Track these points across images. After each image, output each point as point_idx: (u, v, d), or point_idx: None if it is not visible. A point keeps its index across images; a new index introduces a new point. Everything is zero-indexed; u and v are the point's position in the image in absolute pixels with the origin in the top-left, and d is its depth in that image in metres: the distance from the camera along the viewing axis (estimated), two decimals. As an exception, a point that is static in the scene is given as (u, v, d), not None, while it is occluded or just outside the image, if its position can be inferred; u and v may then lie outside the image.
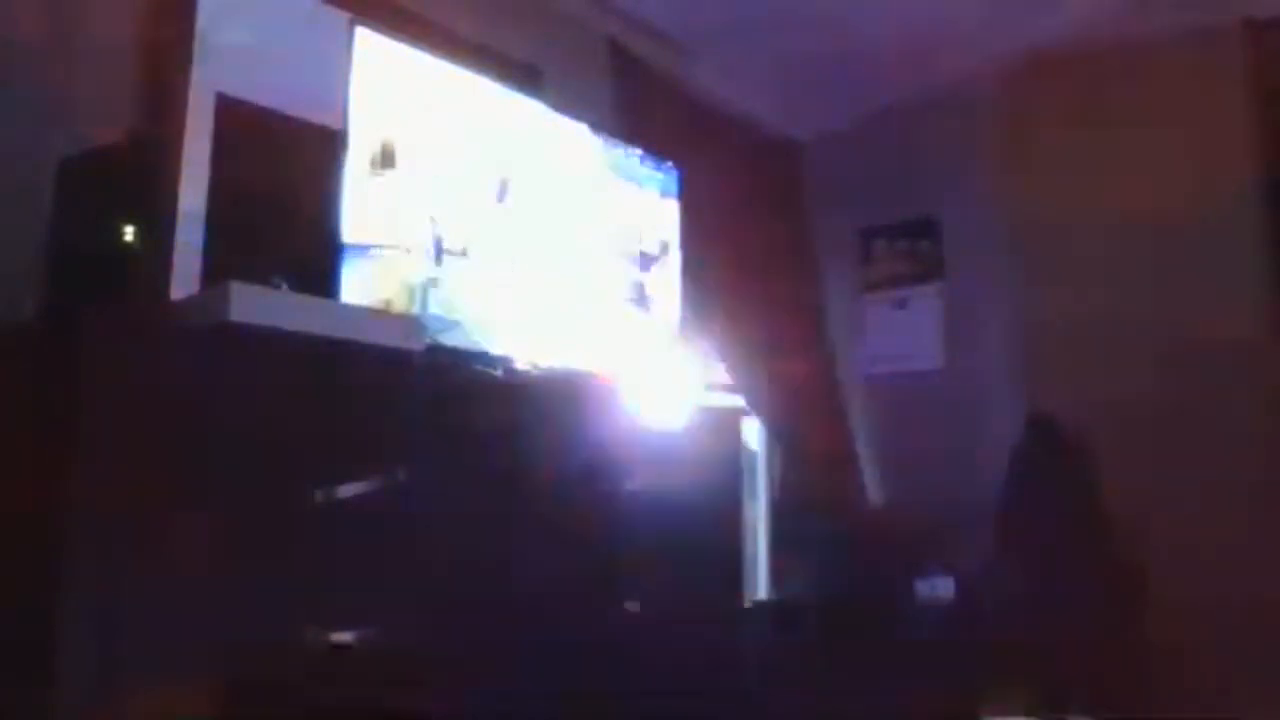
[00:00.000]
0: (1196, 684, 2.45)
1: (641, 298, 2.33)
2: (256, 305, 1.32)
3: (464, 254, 1.91)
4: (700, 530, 2.07)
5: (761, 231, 3.44)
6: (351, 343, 1.44)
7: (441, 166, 1.89)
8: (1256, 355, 2.86)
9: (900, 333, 3.62)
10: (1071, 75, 3.20)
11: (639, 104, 2.94)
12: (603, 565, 1.79)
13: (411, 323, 1.55)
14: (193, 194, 1.80)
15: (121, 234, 1.50)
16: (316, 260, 1.64)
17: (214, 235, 1.80)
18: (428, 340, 1.59)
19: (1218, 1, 2.96)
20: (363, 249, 1.71)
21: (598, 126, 2.30)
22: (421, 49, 1.89)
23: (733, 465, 2.29)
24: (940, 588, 3.01)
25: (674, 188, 2.49)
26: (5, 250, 1.60)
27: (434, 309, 1.77)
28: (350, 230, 1.69)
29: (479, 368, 1.71)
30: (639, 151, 2.41)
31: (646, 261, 2.37)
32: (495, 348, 1.85)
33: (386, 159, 1.77)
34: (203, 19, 1.86)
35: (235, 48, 1.89)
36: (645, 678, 1.82)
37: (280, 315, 1.35)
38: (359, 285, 1.68)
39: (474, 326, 1.87)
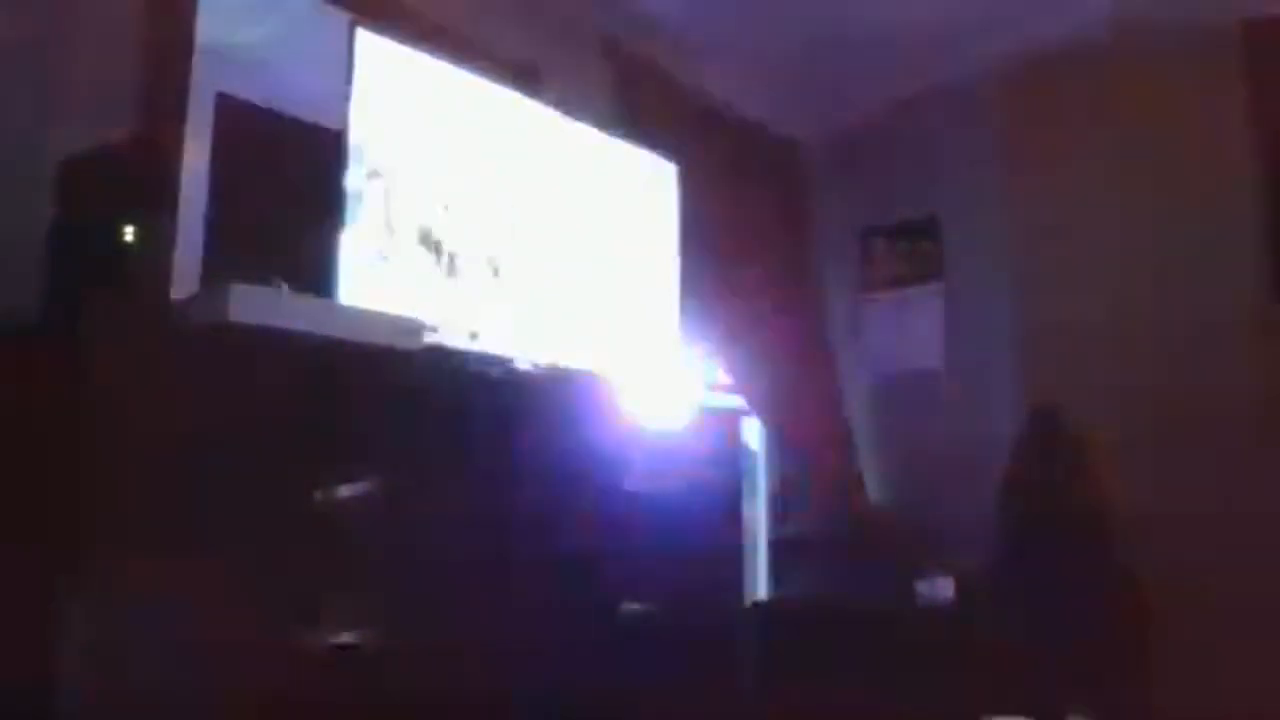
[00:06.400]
0: (1196, 684, 2.45)
1: (641, 298, 2.33)
2: (256, 305, 1.32)
3: (463, 254, 1.91)
4: (700, 530, 2.07)
5: (761, 231, 3.44)
6: (351, 343, 1.44)
7: (440, 165, 1.89)
8: (1256, 353, 2.86)
9: (900, 333, 3.62)
10: (1071, 75, 3.20)
11: (639, 103, 2.94)
12: (602, 565, 1.79)
13: (411, 323, 1.55)
14: (193, 194, 1.80)
15: (122, 234, 1.51)
16: (316, 260, 1.64)
17: (214, 235, 1.80)
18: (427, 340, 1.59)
19: (1218, 1, 2.96)
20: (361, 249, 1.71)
21: (597, 125, 2.30)
22: (421, 49, 1.89)
23: (733, 465, 2.29)
24: (940, 588, 3.01)
25: (673, 187, 2.49)
26: (6, 250, 1.60)
27: (433, 308, 1.77)
28: (349, 230, 1.70)
29: (478, 367, 1.71)
30: (638, 151, 2.41)
31: (646, 261, 2.37)
32: (495, 347, 1.85)
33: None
34: (203, 19, 1.86)
35: (235, 48, 1.90)
36: (645, 678, 1.82)
37: (280, 315, 1.35)
38: (358, 285, 1.68)
39: (473, 326, 1.87)
